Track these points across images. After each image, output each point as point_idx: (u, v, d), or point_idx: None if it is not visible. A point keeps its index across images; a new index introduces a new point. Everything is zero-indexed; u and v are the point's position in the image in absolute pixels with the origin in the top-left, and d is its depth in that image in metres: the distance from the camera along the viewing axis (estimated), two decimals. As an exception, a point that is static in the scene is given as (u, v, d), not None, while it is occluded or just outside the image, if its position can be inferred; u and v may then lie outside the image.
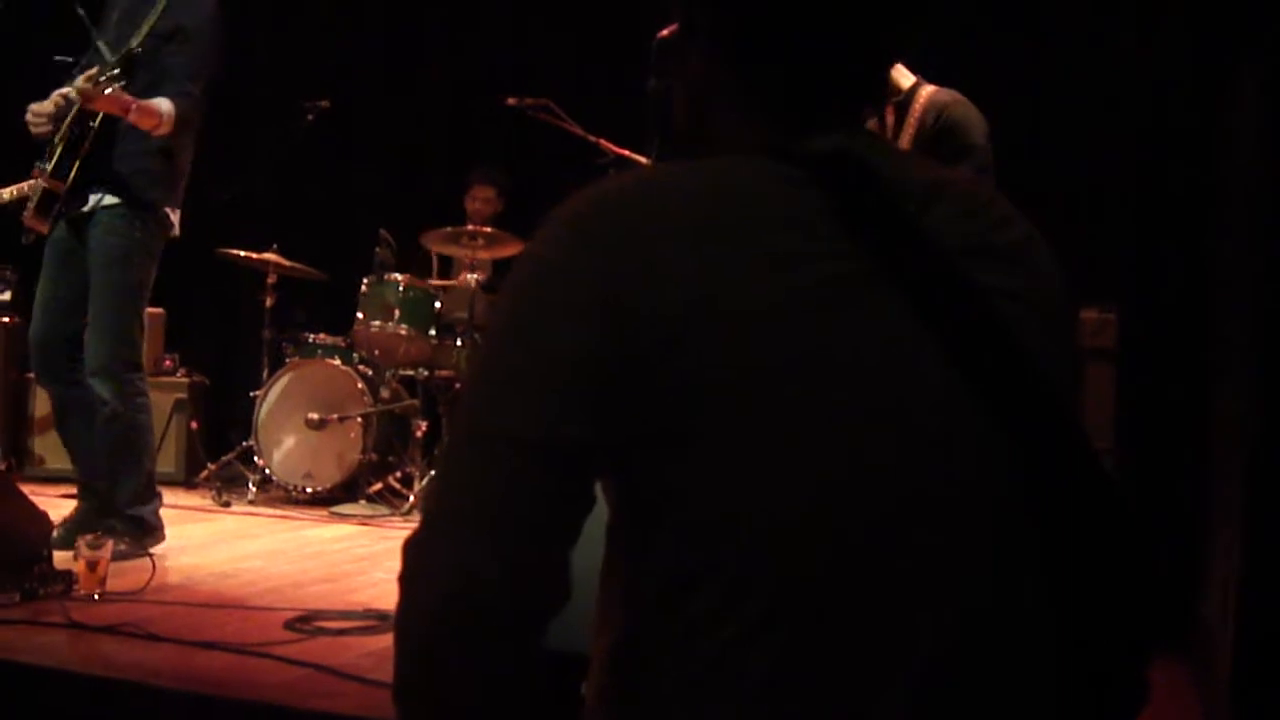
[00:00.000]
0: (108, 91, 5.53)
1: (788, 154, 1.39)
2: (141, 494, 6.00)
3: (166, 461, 8.45)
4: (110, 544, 4.98)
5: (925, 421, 1.34)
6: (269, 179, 8.51)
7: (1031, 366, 1.38)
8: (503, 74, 8.44)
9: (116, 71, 5.58)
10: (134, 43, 5.75)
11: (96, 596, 4.75)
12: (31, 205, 5.87)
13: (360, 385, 8.13)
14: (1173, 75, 5.20)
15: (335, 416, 8.02)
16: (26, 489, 5.28)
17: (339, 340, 8.55)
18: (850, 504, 1.31)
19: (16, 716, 3.90)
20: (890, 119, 5.23)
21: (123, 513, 5.92)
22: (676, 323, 1.29)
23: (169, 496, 7.74)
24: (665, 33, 2.11)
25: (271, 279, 8.50)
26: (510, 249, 8.16)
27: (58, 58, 5.98)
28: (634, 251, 1.32)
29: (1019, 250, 1.46)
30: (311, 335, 8.60)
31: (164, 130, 5.73)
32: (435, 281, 8.56)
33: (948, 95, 5.12)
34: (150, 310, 8.63)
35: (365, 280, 8.21)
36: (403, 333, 8.11)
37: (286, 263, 8.41)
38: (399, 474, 8.28)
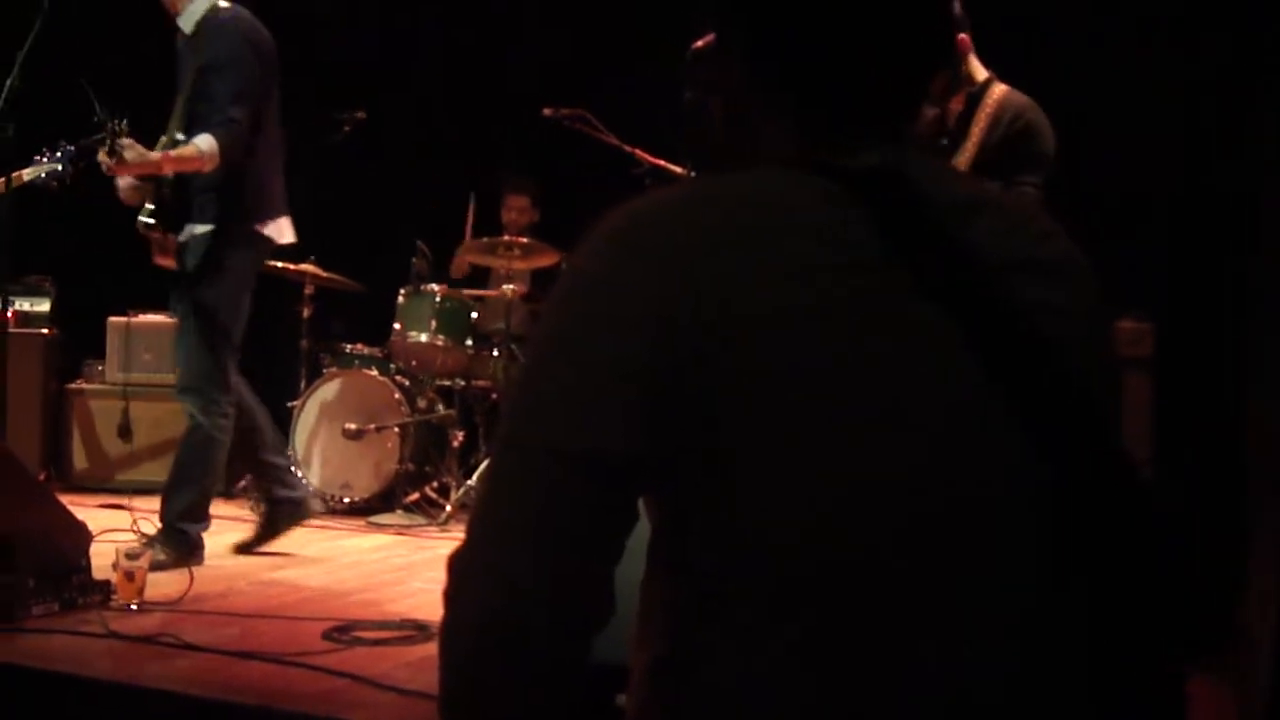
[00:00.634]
0: (128, 157, 5.78)
1: (828, 168, 1.39)
2: (194, 511, 6.10)
3: (205, 472, 8.48)
4: (149, 554, 5.01)
5: (965, 436, 1.34)
6: (305, 190, 8.54)
7: (1072, 381, 1.38)
8: (538, 84, 8.44)
9: (124, 139, 5.79)
10: (185, 94, 5.99)
11: (134, 606, 4.77)
12: (154, 251, 6.14)
13: (397, 395, 8.15)
14: (1209, 85, 5.19)
15: (372, 427, 8.04)
16: (65, 499, 5.30)
17: (376, 351, 8.57)
18: (893, 517, 1.31)
19: (55, 726, 3.92)
20: (958, 107, 5.22)
21: (171, 525, 6.01)
22: (716, 333, 1.29)
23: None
24: (700, 44, 2.11)
25: (309, 290, 8.53)
26: (547, 259, 8.17)
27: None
28: (674, 263, 1.32)
29: (1059, 265, 1.45)
30: (349, 346, 8.62)
31: (208, 167, 5.89)
32: (470, 292, 8.57)
33: (1025, 99, 5.15)
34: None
35: (402, 291, 8.25)
36: (440, 343, 8.13)
37: (324, 274, 8.43)
38: (436, 484, 8.28)
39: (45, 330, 8.83)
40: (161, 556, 5.71)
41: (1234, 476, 4.74)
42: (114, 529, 5.84)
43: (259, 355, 9.05)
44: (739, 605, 1.32)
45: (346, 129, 8.39)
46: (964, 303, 1.35)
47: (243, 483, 8.39)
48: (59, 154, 6.69)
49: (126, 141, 5.82)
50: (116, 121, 5.81)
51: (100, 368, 8.97)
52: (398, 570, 6.12)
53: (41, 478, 8.07)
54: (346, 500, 8.06)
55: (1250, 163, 4.93)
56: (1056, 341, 1.38)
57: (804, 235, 1.34)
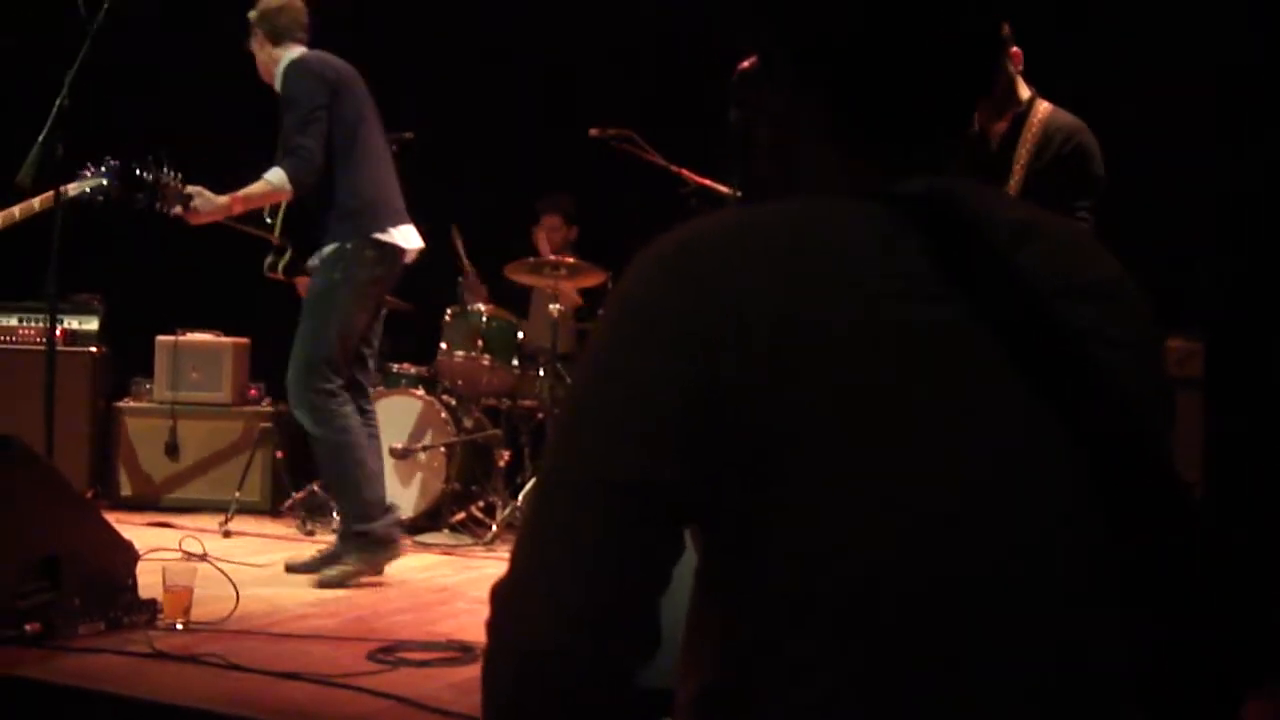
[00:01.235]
0: (199, 206, 6.15)
1: (876, 193, 1.38)
2: (365, 511, 6.27)
3: (252, 490, 8.52)
4: (195, 570, 5.01)
5: (1018, 465, 1.32)
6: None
7: (1124, 408, 1.36)
8: (584, 104, 8.45)
9: (191, 189, 6.15)
10: None
11: (180, 626, 4.78)
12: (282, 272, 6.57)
13: (444, 415, 8.15)
14: (1258, 97, 5.14)
15: (419, 446, 8.05)
16: (112, 518, 5.32)
17: (422, 370, 8.59)
18: (946, 550, 1.29)
19: (101, 745, 3.93)
20: (1003, 127, 5.14)
21: (350, 531, 6.28)
22: (765, 363, 1.28)
23: (254, 525, 7.84)
24: (746, 64, 2.09)
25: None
26: (592, 279, 8.18)
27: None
28: (723, 292, 1.31)
29: (1110, 289, 1.43)
30: (395, 365, 8.64)
31: (283, 197, 6.28)
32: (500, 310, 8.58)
33: (1073, 119, 5.03)
34: (235, 340, 8.78)
35: (449, 310, 8.27)
36: (486, 363, 8.14)
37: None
38: (482, 503, 8.28)
39: (93, 348, 8.87)
40: (348, 567, 6.12)
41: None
42: (161, 548, 5.87)
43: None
44: (789, 637, 1.30)
45: (395, 149, 8.41)
46: (1015, 329, 1.34)
47: (290, 501, 8.41)
48: (104, 169, 6.76)
49: (194, 189, 6.15)
50: (173, 175, 6.14)
51: (148, 386, 9.02)
52: (443, 590, 6.12)
53: (89, 496, 8.10)
54: (392, 519, 8.06)
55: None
56: (1108, 367, 1.36)
57: (854, 263, 1.32)
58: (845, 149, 1.45)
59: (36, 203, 6.69)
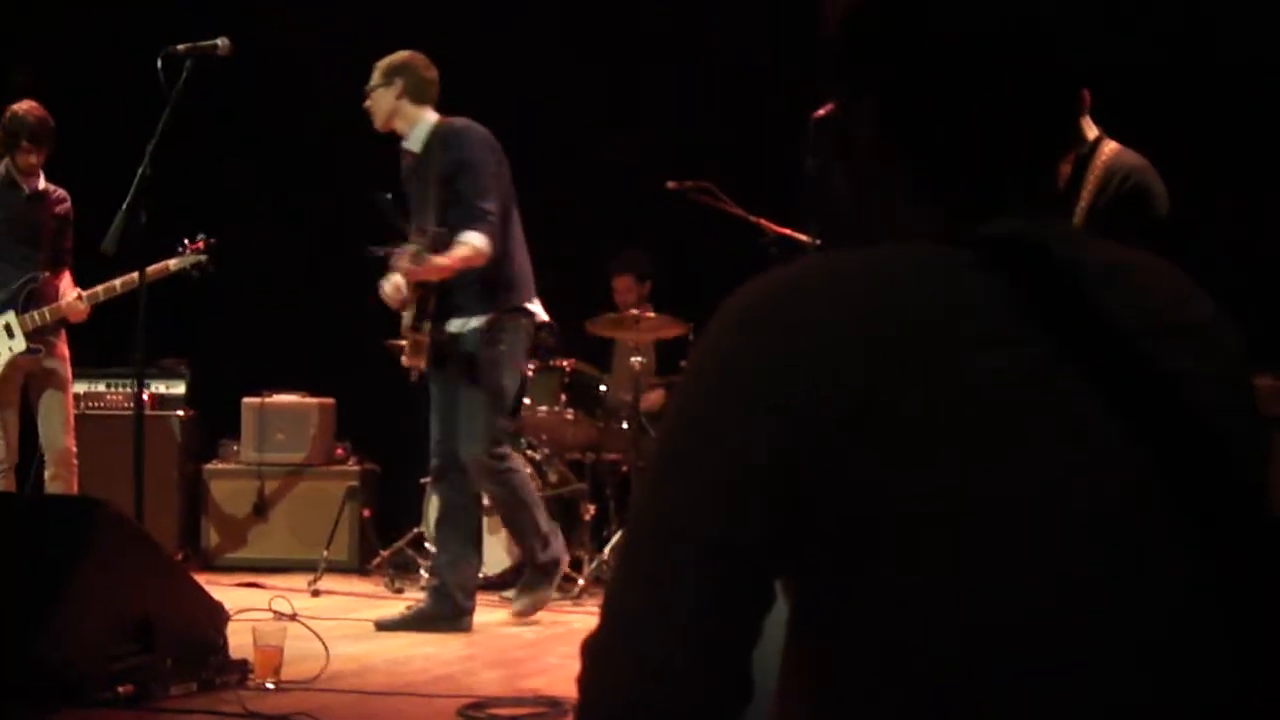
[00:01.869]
0: (437, 261, 6.37)
1: (960, 239, 1.36)
2: (547, 541, 6.86)
3: (340, 549, 8.56)
4: (285, 629, 5.03)
5: (1114, 512, 1.29)
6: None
7: (1220, 451, 1.33)
8: (658, 157, 8.46)
9: (427, 252, 6.39)
10: (434, 205, 6.56)
11: (271, 685, 4.80)
12: (407, 350, 6.72)
13: (529, 470, 8.15)
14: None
15: (503, 500, 8.05)
16: (202, 579, 5.36)
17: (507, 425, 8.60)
18: (1042, 599, 1.27)
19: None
20: (1067, 169, 5.02)
21: (537, 561, 6.86)
22: (854, 414, 1.26)
23: (342, 584, 7.87)
24: (823, 111, 2.09)
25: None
26: (672, 331, 8.18)
27: (377, 196, 6.83)
28: (807, 343, 1.29)
29: (1201, 329, 1.41)
30: (479, 421, 8.65)
31: (480, 262, 6.46)
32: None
33: (1136, 158, 4.88)
34: (321, 400, 8.83)
35: (531, 365, 8.29)
36: (569, 417, 8.17)
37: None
38: (568, 558, 8.27)
39: (181, 412, 8.96)
40: (543, 594, 6.85)
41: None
42: (250, 608, 5.89)
43: (392, 433, 9.15)
44: (888, 679, 1.28)
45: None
46: (1104, 372, 1.31)
47: (378, 559, 8.44)
48: (203, 246, 6.92)
49: (414, 248, 6.45)
50: (429, 234, 6.40)
51: (235, 448, 9.09)
52: (531, 645, 6.12)
53: (179, 558, 8.17)
54: (480, 575, 8.05)
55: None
56: (1201, 409, 1.33)
57: (942, 311, 1.31)
58: (930, 193, 1.44)
59: (137, 276, 6.76)
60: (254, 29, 7.84)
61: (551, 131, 9.49)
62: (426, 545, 8.14)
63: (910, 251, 1.37)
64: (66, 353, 7.45)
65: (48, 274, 7.33)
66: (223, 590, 5.93)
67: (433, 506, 8.16)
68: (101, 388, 8.94)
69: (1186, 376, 1.34)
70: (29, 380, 7.34)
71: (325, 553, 8.22)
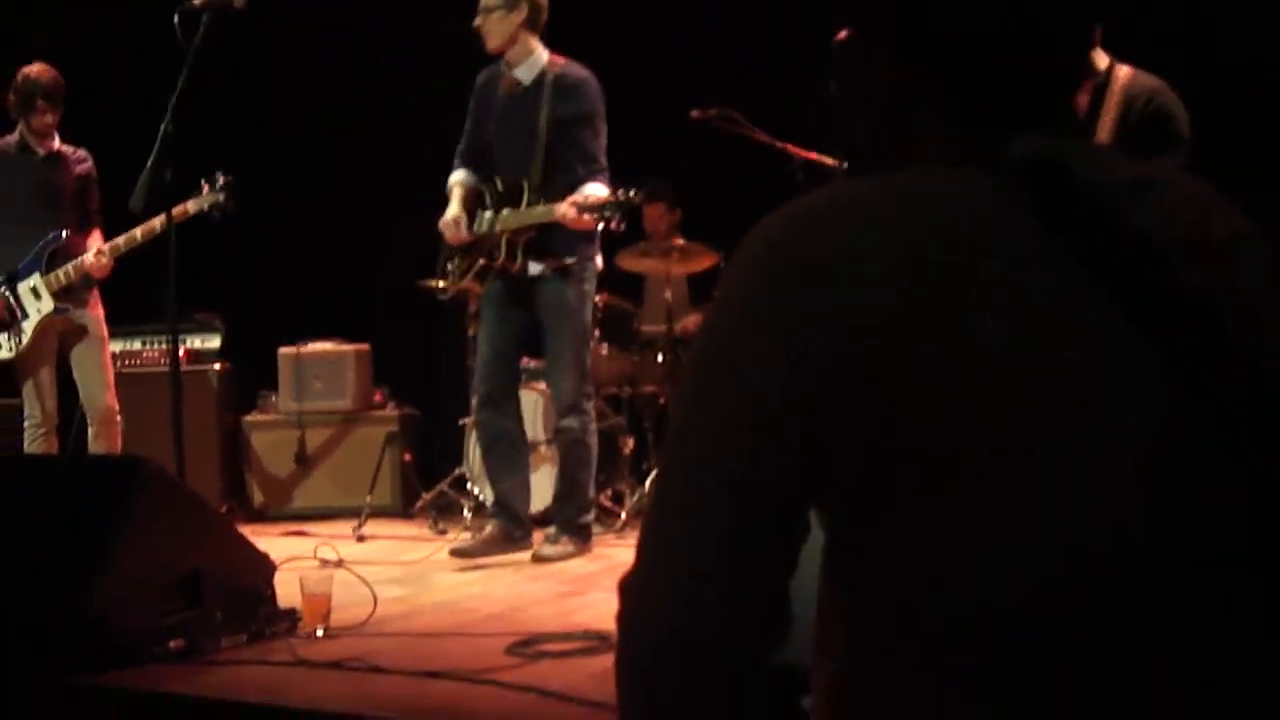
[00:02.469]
0: (587, 217, 6.38)
1: (983, 162, 1.35)
2: (588, 505, 6.94)
3: (383, 494, 8.60)
4: (331, 576, 5.05)
5: (1147, 441, 1.28)
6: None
7: (1254, 369, 1.31)
8: (681, 85, 8.41)
9: (610, 213, 6.40)
10: (543, 148, 6.63)
11: (320, 633, 4.82)
12: (466, 273, 6.87)
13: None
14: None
15: (544, 438, 8.07)
16: (247, 530, 5.38)
17: (542, 363, 8.60)
18: (1047, 578, 1.26)
19: (251, 755, 3.97)
20: (1085, 98, 5.04)
21: (574, 523, 6.80)
22: (881, 345, 1.26)
23: (386, 528, 7.91)
24: (843, 35, 2.06)
25: (473, 307, 8.58)
26: (704, 261, 8.17)
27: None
28: (835, 271, 1.29)
29: (1233, 245, 1.39)
30: (515, 360, 8.68)
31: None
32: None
33: (1155, 80, 4.89)
34: (357, 346, 8.85)
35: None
36: (604, 352, 8.17)
37: (485, 290, 8.49)
38: (610, 492, 8.28)
39: (217, 365, 8.99)
40: (570, 549, 6.70)
41: None
42: (296, 557, 5.91)
43: (430, 375, 9.18)
44: (902, 633, 1.29)
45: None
46: (1132, 290, 1.29)
47: (421, 502, 8.47)
48: (219, 185, 6.88)
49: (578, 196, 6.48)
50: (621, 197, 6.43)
51: (273, 399, 9.13)
52: (577, 580, 6.13)
53: (223, 511, 8.21)
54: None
55: None
56: (1235, 323, 1.31)
57: (966, 234, 1.30)
58: (951, 115, 1.42)
59: (157, 223, 6.80)
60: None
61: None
62: (469, 486, 8.17)
63: (933, 176, 1.37)
64: (101, 310, 7.47)
65: (69, 233, 7.32)
66: (268, 540, 5.95)
67: (473, 442, 8.20)
68: (137, 345, 8.97)
69: (1217, 293, 1.32)
70: (64, 340, 7.37)
71: (368, 498, 8.26)
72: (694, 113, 7.41)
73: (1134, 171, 1.41)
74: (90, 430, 7.35)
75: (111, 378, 7.46)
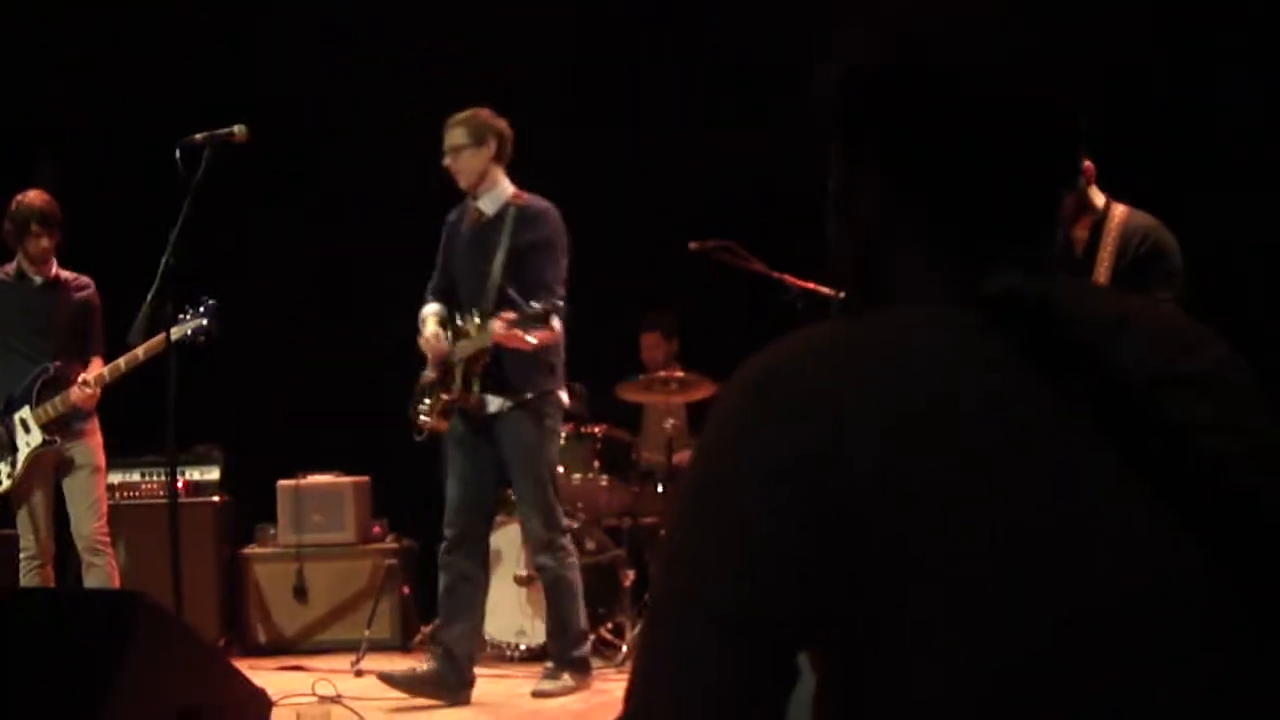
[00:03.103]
0: (528, 338, 6.35)
1: (966, 299, 1.35)
2: (582, 638, 6.86)
3: (381, 628, 8.53)
4: (329, 712, 5.01)
5: (1138, 569, 1.28)
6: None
7: (1241, 497, 1.30)
8: (678, 218, 8.47)
9: (534, 325, 6.32)
10: (499, 274, 6.62)
11: (318, 769, 4.77)
12: (435, 410, 6.76)
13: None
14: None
15: (530, 572, 8.02)
16: (244, 664, 5.33)
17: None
18: (1071, 653, 1.25)
19: None
20: (1084, 234, 5.24)
21: (570, 657, 6.74)
22: (863, 490, 1.26)
23: (386, 663, 7.84)
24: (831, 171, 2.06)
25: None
26: (703, 391, 8.17)
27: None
28: (816, 418, 1.28)
29: (1215, 375, 1.39)
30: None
31: (553, 341, 6.61)
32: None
33: (1149, 218, 5.23)
34: (356, 479, 8.83)
35: (563, 434, 8.30)
36: (604, 483, 8.17)
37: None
38: (610, 624, 8.23)
39: (216, 497, 8.95)
40: (569, 684, 6.65)
41: None
42: (294, 692, 5.88)
43: (431, 509, 9.14)
44: None
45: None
46: (1115, 425, 1.30)
47: (420, 636, 8.42)
48: (201, 309, 6.88)
49: (513, 315, 6.38)
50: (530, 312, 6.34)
51: (272, 531, 9.08)
52: (578, 715, 6.10)
53: (220, 644, 8.15)
54: (522, 647, 8.01)
55: None
56: (1220, 457, 1.31)
57: (958, 378, 1.30)
58: (933, 248, 1.43)
59: (140, 352, 6.80)
60: (270, 108, 7.86)
61: (571, 198, 9.52)
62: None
63: (922, 316, 1.37)
64: (98, 439, 7.40)
65: (60, 364, 7.27)
66: (265, 675, 5.92)
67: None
68: (136, 477, 8.94)
69: (1199, 426, 1.32)
70: (59, 471, 7.31)
71: (367, 632, 8.20)
72: (693, 245, 7.45)
73: (1113, 305, 1.42)
74: (83, 561, 7.28)
75: (104, 508, 7.36)
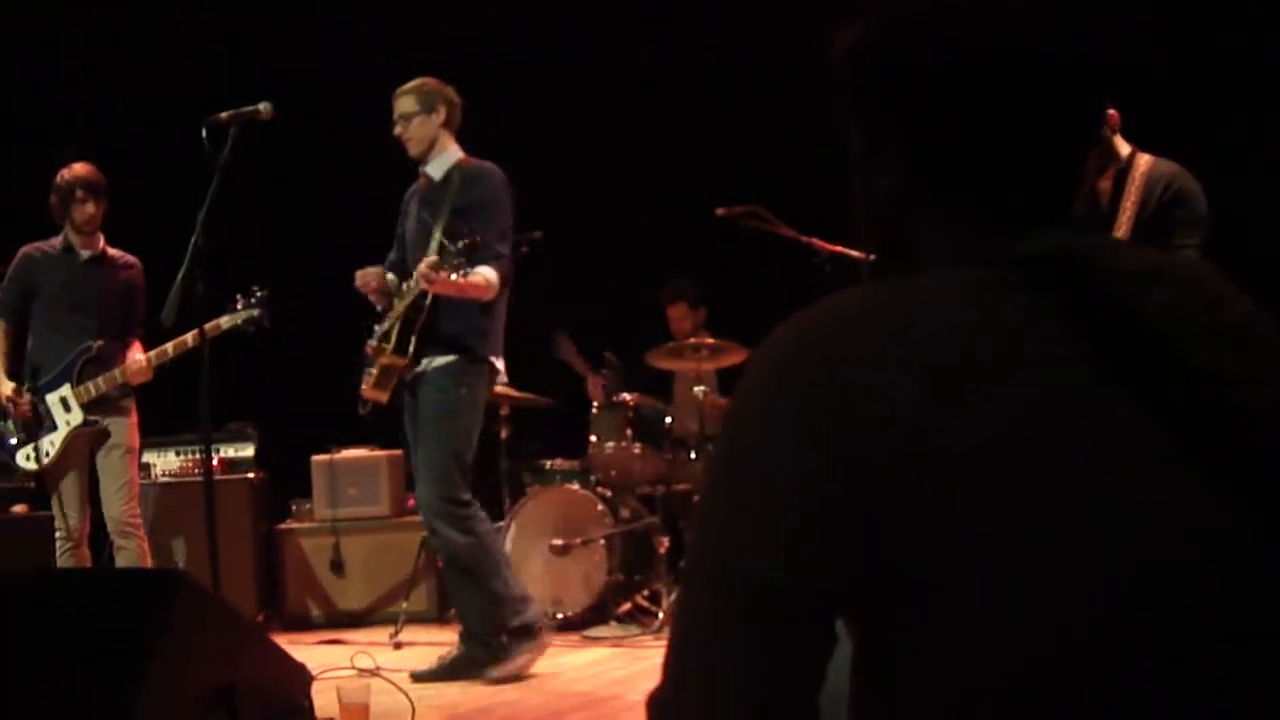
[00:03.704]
0: (453, 278, 6.12)
1: (994, 260, 1.35)
2: (519, 605, 6.39)
3: (419, 600, 8.57)
4: (369, 685, 5.02)
5: (1174, 533, 1.27)
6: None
7: (1268, 449, 1.30)
8: (705, 184, 8.45)
9: (457, 260, 6.09)
10: (440, 229, 6.40)
11: (359, 743, 4.78)
12: (371, 378, 6.55)
13: (600, 507, 8.15)
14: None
15: (578, 540, 8.04)
16: (283, 639, 5.35)
17: (575, 464, 8.61)
18: (1104, 630, 1.25)
19: None
20: (1108, 184, 5.20)
21: (509, 627, 6.31)
22: (896, 453, 1.26)
23: (423, 634, 7.86)
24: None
25: (504, 411, 8.59)
26: (734, 357, 8.15)
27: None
28: (845, 384, 1.29)
29: (1243, 328, 1.39)
30: (548, 462, 8.69)
31: (487, 295, 6.39)
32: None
33: (1172, 166, 5.16)
34: (390, 452, 8.84)
35: (595, 403, 8.30)
36: (637, 451, 8.17)
37: (517, 394, 8.47)
38: (646, 592, 8.26)
39: (251, 475, 8.99)
40: (522, 658, 6.25)
41: None
42: (334, 666, 5.89)
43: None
44: None
45: (524, 250, 8.46)
46: (1148, 382, 1.30)
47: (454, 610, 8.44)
48: (253, 300, 6.89)
49: (434, 258, 6.19)
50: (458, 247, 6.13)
51: (308, 506, 9.12)
52: (617, 683, 6.09)
53: (259, 620, 8.19)
54: (560, 616, 8.02)
55: None
56: (1249, 410, 1.31)
57: (989, 338, 1.30)
58: (958, 215, 1.43)
59: (189, 339, 6.80)
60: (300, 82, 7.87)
61: (597, 166, 9.51)
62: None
63: (950, 279, 1.37)
64: (134, 419, 7.39)
65: (103, 343, 7.24)
66: (305, 649, 5.94)
67: (509, 549, 8.18)
68: (171, 455, 8.98)
69: (1228, 378, 1.33)
70: (94, 448, 7.30)
71: (404, 604, 8.23)
72: (719, 211, 7.42)
73: (1143, 262, 1.42)
74: (113, 544, 7.30)
75: (135, 490, 7.35)
